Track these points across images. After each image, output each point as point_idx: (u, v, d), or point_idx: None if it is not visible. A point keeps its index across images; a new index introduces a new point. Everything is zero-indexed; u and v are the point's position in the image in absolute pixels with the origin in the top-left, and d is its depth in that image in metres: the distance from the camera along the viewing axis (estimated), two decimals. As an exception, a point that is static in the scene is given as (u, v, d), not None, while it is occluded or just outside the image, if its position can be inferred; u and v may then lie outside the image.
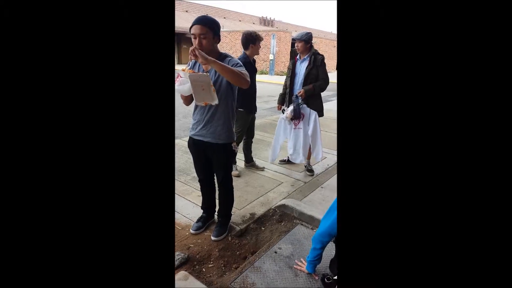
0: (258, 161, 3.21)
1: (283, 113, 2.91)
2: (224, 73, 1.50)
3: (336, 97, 8.78)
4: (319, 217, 2.02)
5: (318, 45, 19.48)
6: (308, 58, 2.76)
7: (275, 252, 1.83)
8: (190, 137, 1.88)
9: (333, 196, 1.46)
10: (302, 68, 2.81)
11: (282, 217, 2.28)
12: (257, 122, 3.74)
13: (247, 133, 2.96)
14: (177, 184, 2.69)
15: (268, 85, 11.46)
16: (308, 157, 3.05)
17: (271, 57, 16.50)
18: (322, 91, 2.81)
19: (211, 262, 1.80)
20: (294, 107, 2.77)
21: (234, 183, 2.04)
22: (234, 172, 2.81)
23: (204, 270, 1.73)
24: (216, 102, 1.61)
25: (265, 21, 30.31)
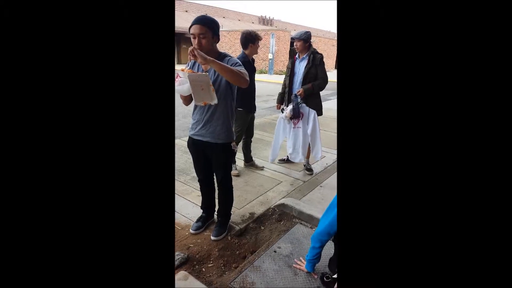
0: (257, 161, 3.22)
1: (282, 112, 2.91)
2: (223, 73, 1.50)
3: (335, 96, 8.78)
4: (318, 216, 2.02)
5: (317, 44, 19.47)
6: (307, 57, 2.76)
7: (275, 251, 1.83)
8: (189, 137, 1.88)
9: (332, 195, 1.46)
10: (301, 67, 2.81)
11: (282, 216, 2.28)
12: (256, 121, 3.75)
13: (247, 132, 2.96)
14: (177, 184, 2.69)
15: (267, 84, 11.46)
16: (307, 156, 3.05)
17: (270, 56, 16.49)
18: (321, 90, 2.81)
19: (211, 262, 1.80)
20: (293, 106, 2.77)
21: (233, 183, 2.04)
22: (233, 172, 2.81)
23: (203, 270, 1.74)
24: (215, 101, 1.61)
25: (264, 21, 30.28)
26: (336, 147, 3.84)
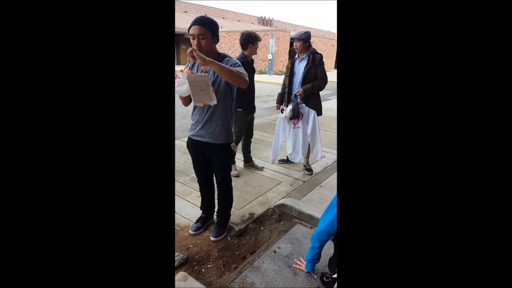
0: (257, 161, 3.22)
1: (282, 112, 2.91)
2: (223, 73, 1.50)
3: (334, 96, 8.79)
4: (318, 216, 2.02)
5: (316, 44, 19.49)
6: (307, 57, 2.76)
7: (274, 252, 1.83)
8: (189, 138, 1.88)
9: (332, 195, 1.46)
10: (300, 67, 2.81)
11: (281, 217, 2.28)
12: (256, 122, 3.75)
13: (246, 133, 2.96)
14: (176, 185, 2.69)
15: (267, 85, 11.47)
16: (307, 157, 3.05)
17: (269, 56, 16.49)
18: (321, 90, 2.81)
19: (210, 263, 1.80)
20: (293, 106, 2.77)
21: (233, 183, 2.04)
22: (233, 172, 2.81)
23: (203, 270, 1.74)
24: (214, 102, 1.61)
25: (263, 21, 30.30)
26: (335, 147, 3.84)
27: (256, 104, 2.93)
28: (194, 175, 2.11)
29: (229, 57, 1.68)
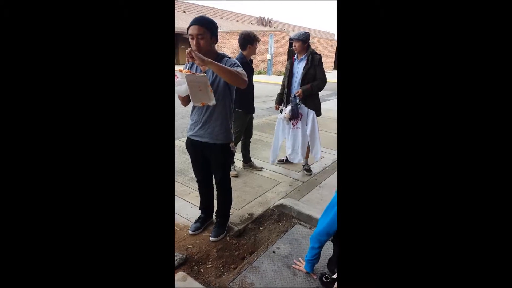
0: (256, 161, 3.22)
1: (281, 113, 2.91)
2: (222, 74, 1.50)
3: (333, 96, 8.80)
4: (317, 217, 2.02)
5: (315, 44, 19.52)
6: (306, 58, 2.77)
7: (274, 252, 1.83)
8: (188, 138, 1.87)
9: (331, 195, 1.46)
10: (299, 67, 2.82)
11: (280, 217, 2.28)
12: (255, 122, 3.75)
13: (245, 133, 2.96)
14: (175, 185, 2.68)
15: (266, 85, 11.47)
16: (306, 157, 3.05)
17: (269, 57, 16.50)
18: (320, 91, 2.82)
19: (210, 263, 1.80)
20: (292, 107, 2.77)
21: (232, 183, 2.04)
22: (232, 173, 2.81)
23: (202, 270, 1.73)
24: (213, 102, 1.61)
25: (262, 21, 30.32)
26: (335, 148, 3.85)
27: (255, 104, 2.93)
28: (193, 175, 2.11)
29: (228, 57, 1.68)
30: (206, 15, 1.78)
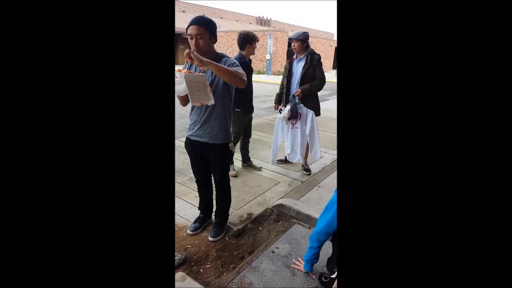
0: (255, 161, 3.22)
1: (280, 112, 2.91)
2: (221, 74, 1.50)
3: (332, 96, 8.81)
4: (316, 216, 2.02)
5: (314, 44, 19.54)
6: (305, 58, 2.77)
7: (273, 252, 1.83)
8: (187, 138, 1.87)
9: (330, 195, 1.46)
10: (298, 67, 2.82)
11: (280, 217, 2.28)
12: (254, 122, 3.75)
13: (244, 133, 2.96)
14: (175, 185, 2.68)
15: (265, 85, 11.47)
16: (305, 157, 3.06)
17: (268, 57, 16.50)
18: (319, 91, 2.82)
19: (209, 263, 1.80)
20: (291, 106, 2.78)
21: (231, 183, 2.04)
22: (231, 172, 2.81)
23: (201, 270, 1.73)
24: (212, 102, 1.61)
25: (262, 21, 30.32)
26: (333, 148, 3.85)
27: (254, 104, 2.93)
28: (192, 175, 2.11)
29: (227, 57, 1.68)
30: (205, 15, 1.78)
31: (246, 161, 3.13)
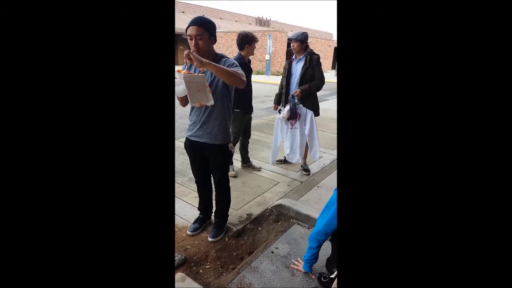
0: (254, 161, 3.22)
1: (280, 113, 2.91)
2: (220, 74, 1.50)
3: (331, 96, 8.81)
4: (315, 216, 2.02)
5: (313, 44, 19.55)
6: (304, 58, 2.77)
7: (272, 252, 1.83)
8: (186, 138, 1.87)
9: (330, 195, 1.47)
10: (298, 68, 2.82)
11: (279, 217, 2.28)
12: (253, 122, 3.75)
13: (244, 133, 2.96)
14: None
15: (265, 85, 11.47)
16: (305, 157, 3.06)
17: (267, 57, 16.51)
18: (318, 91, 2.82)
19: (208, 263, 1.80)
20: (290, 107, 2.78)
21: (231, 184, 2.04)
22: (231, 173, 2.81)
23: (201, 271, 1.73)
24: (211, 103, 1.61)
25: (261, 22, 30.33)
26: (333, 148, 3.86)
27: (253, 104, 2.93)
28: (191, 175, 2.11)
29: (227, 57, 1.68)
30: (205, 16, 1.78)
31: (246, 161, 3.13)
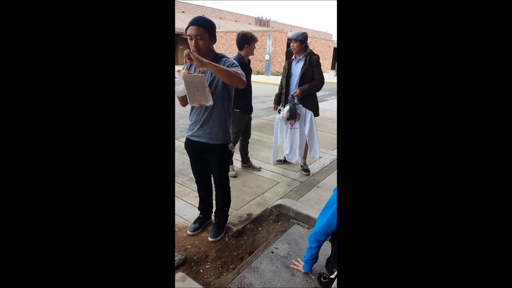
0: (254, 161, 3.22)
1: (279, 113, 2.91)
2: (220, 74, 1.51)
3: (331, 96, 8.82)
4: (315, 217, 2.03)
5: (313, 45, 19.55)
6: (304, 58, 2.77)
7: (272, 252, 1.83)
8: (187, 138, 1.88)
9: (329, 195, 1.47)
10: (297, 68, 2.82)
11: (279, 217, 2.28)
12: (253, 122, 3.75)
13: (244, 133, 2.96)
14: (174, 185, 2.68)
15: (264, 85, 11.47)
16: (304, 157, 3.06)
17: (267, 57, 16.51)
18: (318, 91, 2.82)
19: (209, 263, 1.80)
20: (290, 107, 2.78)
21: (231, 184, 2.04)
22: (231, 173, 2.81)
23: (201, 271, 1.74)
24: (210, 103, 1.62)
25: (261, 22, 30.34)
26: (332, 148, 3.86)
27: (253, 104, 2.93)
28: (192, 175, 2.11)
29: (226, 57, 1.68)
30: (205, 16, 1.78)
31: (246, 161, 3.13)
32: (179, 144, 3.66)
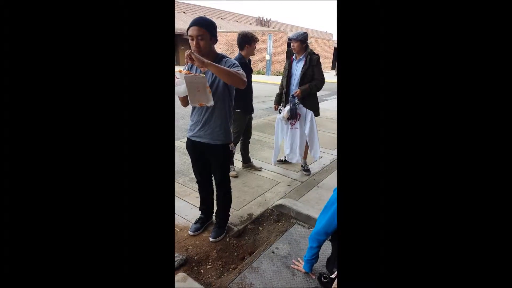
0: (255, 161, 3.22)
1: (280, 113, 2.92)
2: (221, 75, 1.51)
3: (331, 96, 8.81)
4: (315, 216, 2.03)
5: (313, 44, 19.55)
6: (304, 58, 2.78)
7: (273, 252, 1.83)
8: (188, 138, 1.88)
9: (329, 195, 1.47)
10: (298, 68, 2.82)
11: (279, 217, 2.29)
12: (254, 122, 3.76)
13: (245, 133, 2.97)
14: (175, 186, 2.68)
15: (265, 85, 11.47)
16: (305, 157, 3.06)
17: (267, 57, 16.51)
18: (318, 91, 2.83)
19: (209, 263, 1.80)
20: (290, 107, 2.78)
21: (231, 184, 2.04)
22: (232, 173, 2.81)
23: (202, 271, 1.74)
24: (211, 103, 1.62)
25: (261, 22, 30.35)
26: (333, 148, 3.86)
27: (254, 104, 2.93)
28: (193, 175, 2.11)
29: (227, 57, 1.69)
30: (206, 16, 1.79)
31: (246, 161, 3.13)
32: (180, 144, 3.67)
